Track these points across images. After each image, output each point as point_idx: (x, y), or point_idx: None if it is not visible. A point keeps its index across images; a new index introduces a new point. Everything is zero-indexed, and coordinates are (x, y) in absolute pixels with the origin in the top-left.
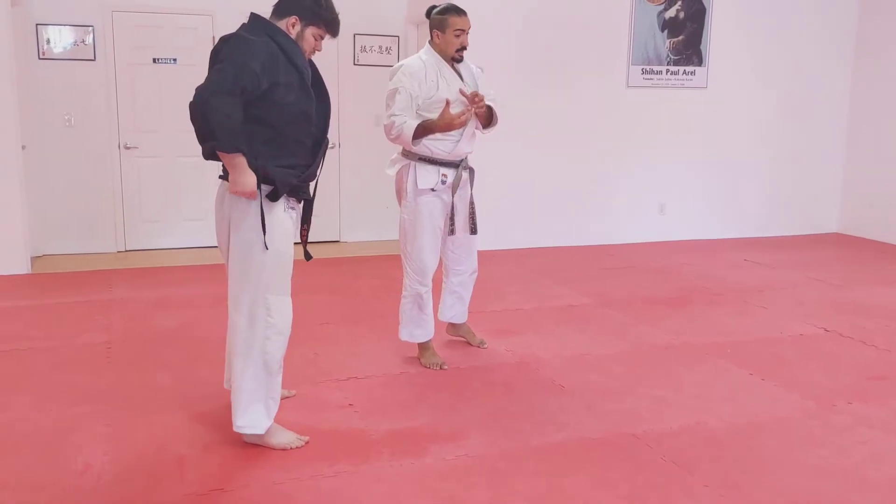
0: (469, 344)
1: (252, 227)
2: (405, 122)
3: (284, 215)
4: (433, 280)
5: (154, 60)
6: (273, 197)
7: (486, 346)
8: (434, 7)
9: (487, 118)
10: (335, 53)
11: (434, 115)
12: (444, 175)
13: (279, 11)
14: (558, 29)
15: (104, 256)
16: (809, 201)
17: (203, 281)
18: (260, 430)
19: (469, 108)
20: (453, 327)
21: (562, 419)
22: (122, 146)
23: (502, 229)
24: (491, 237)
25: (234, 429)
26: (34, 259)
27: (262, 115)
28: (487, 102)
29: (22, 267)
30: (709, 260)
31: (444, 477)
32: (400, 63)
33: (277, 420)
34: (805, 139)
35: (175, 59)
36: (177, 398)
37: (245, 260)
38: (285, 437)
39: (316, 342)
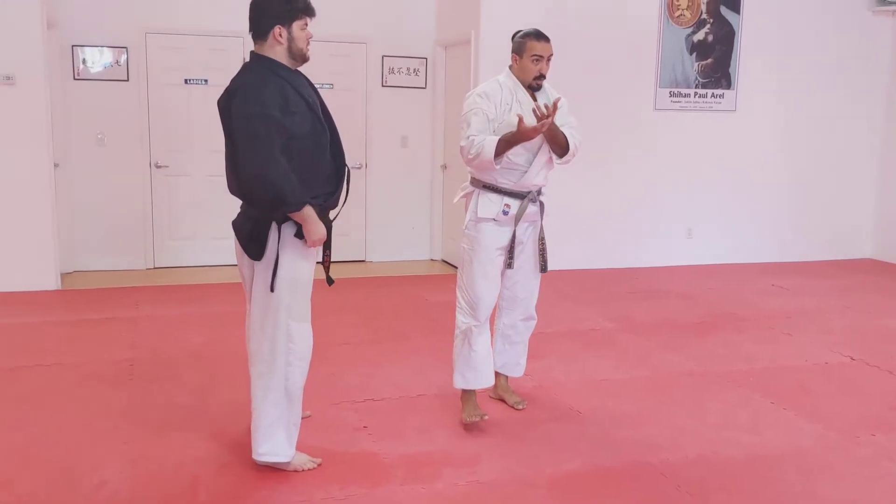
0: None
1: (274, 257)
2: (484, 139)
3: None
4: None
5: (186, 81)
6: (301, 234)
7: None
8: (519, 31)
9: (563, 147)
10: (364, 74)
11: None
12: (507, 206)
13: (260, 32)
14: (585, 51)
15: (133, 273)
16: (842, 226)
17: (228, 299)
18: (283, 458)
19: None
20: (493, 386)
21: (577, 446)
22: (153, 165)
23: None
24: None
25: (255, 456)
26: (64, 275)
27: (284, 147)
28: (564, 130)
29: (51, 283)
30: (736, 285)
31: (454, 502)
32: (476, 88)
33: None
34: (837, 163)
35: (206, 80)
36: (195, 417)
37: (268, 288)
38: (298, 459)
39: (334, 362)
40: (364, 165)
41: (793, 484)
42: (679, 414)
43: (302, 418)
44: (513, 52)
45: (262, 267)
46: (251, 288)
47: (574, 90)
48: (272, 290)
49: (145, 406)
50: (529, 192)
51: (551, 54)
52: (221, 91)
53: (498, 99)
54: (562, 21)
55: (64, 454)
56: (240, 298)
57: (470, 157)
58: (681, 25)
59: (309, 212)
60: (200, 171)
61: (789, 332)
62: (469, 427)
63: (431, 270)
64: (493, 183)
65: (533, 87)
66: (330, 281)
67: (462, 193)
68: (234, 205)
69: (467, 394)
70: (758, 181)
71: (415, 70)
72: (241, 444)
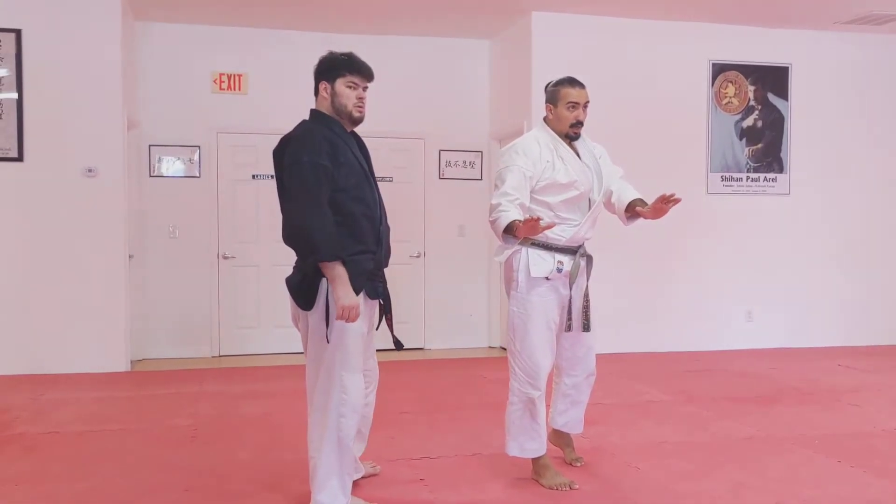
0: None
1: (325, 309)
2: (507, 210)
3: (357, 296)
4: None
5: (253, 177)
6: (356, 291)
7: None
8: (551, 81)
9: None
10: (422, 168)
11: (551, 199)
12: (560, 262)
13: (315, 90)
14: (636, 137)
15: (199, 360)
16: None
17: (289, 377)
18: None
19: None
20: (555, 434)
21: (636, 497)
22: (220, 256)
23: None
24: None
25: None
26: (134, 363)
27: (330, 201)
28: (631, 190)
29: (121, 367)
30: (799, 364)
31: None
32: (511, 143)
33: None
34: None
35: (272, 176)
36: (256, 470)
37: (321, 339)
38: None
39: (392, 427)
40: (422, 254)
41: None
42: (739, 471)
43: (373, 474)
44: (547, 101)
45: (315, 319)
46: (306, 340)
47: (626, 173)
48: (328, 341)
49: (206, 463)
50: (580, 247)
51: (587, 101)
52: None
53: (536, 155)
54: (611, 110)
55: (128, 498)
56: (301, 376)
57: (490, 219)
58: (729, 112)
59: (340, 272)
60: (266, 261)
61: (856, 404)
62: (528, 481)
63: (490, 356)
64: (544, 240)
65: (571, 136)
66: (399, 345)
67: (508, 252)
68: None
69: (540, 459)
70: (816, 264)
71: (470, 163)
72: (301, 495)
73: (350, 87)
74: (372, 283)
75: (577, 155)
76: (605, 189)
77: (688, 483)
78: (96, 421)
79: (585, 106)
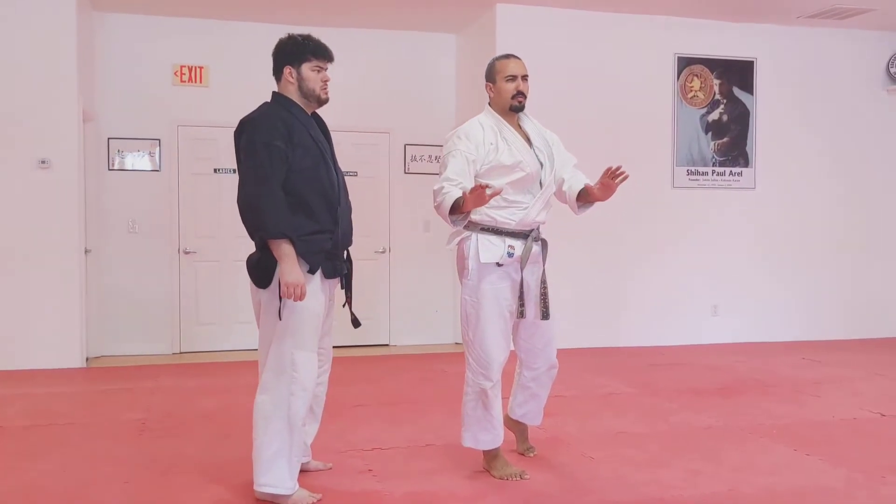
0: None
1: (277, 288)
2: (450, 192)
3: (314, 275)
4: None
5: (215, 170)
6: (312, 270)
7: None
8: None
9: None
10: (387, 162)
11: (496, 182)
12: (511, 247)
13: (276, 73)
14: (602, 132)
15: (159, 357)
16: (873, 303)
17: (248, 373)
18: (285, 491)
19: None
20: (511, 421)
21: (588, 485)
22: (181, 251)
23: None
24: None
25: (256, 487)
26: (92, 360)
27: (285, 182)
28: (579, 177)
29: (76, 363)
30: (763, 358)
31: None
32: (455, 129)
33: None
34: (860, 240)
35: (234, 170)
36: (200, 463)
37: (274, 316)
38: (298, 494)
39: (346, 420)
40: (387, 250)
41: None
42: (695, 460)
43: (322, 469)
44: (486, 81)
45: (269, 296)
46: (259, 318)
47: (592, 170)
48: (280, 318)
49: (151, 456)
50: (532, 231)
51: (526, 73)
52: None
53: (479, 139)
54: (578, 106)
55: (64, 493)
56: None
57: (435, 203)
58: (695, 106)
59: (287, 250)
60: (227, 256)
61: (817, 395)
62: (479, 472)
63: (455, 351)
64: (493, 224)
65: (514, 108)
66: (356, 323)
67: (457, 239)
68: None
69: (491, 450)
70: (782, 258)
71: (436, 157)
72: (241, 484)
73: (315, 70)
74: (331, 262)
75: (529, 138)
76: (557, 176)
77: (642, 472)
78: (44, 415)
79: (525, 78)
